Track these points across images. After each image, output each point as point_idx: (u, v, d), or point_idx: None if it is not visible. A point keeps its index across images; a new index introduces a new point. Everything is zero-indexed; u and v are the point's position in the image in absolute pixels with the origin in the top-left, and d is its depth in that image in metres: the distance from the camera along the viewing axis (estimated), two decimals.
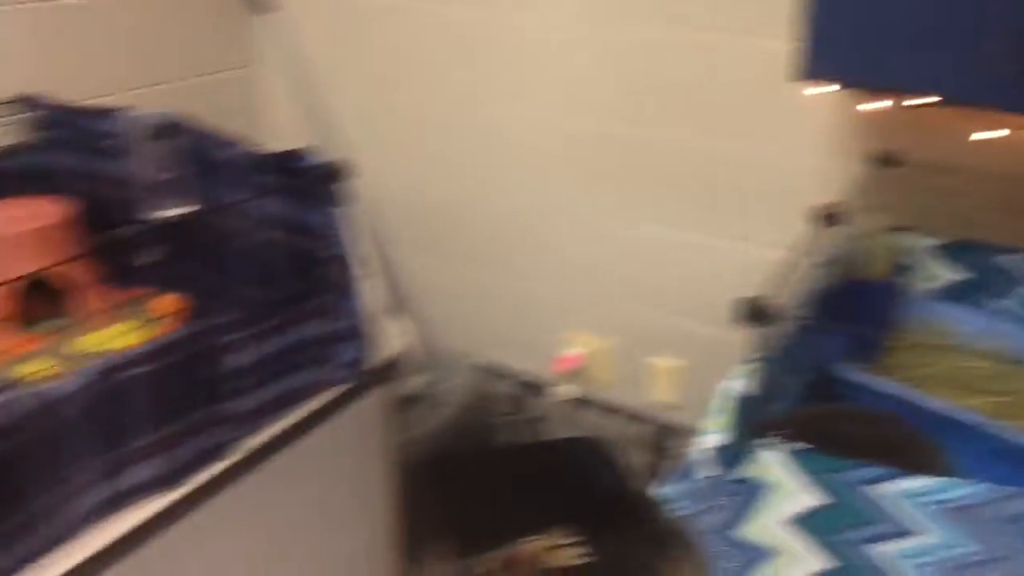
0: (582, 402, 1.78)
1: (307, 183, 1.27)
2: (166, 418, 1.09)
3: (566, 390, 1.76)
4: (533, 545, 1.57)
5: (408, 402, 1.75)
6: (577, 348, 1.75)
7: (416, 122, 1.85)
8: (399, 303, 1.95)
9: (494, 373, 1.87)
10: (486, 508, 1.63)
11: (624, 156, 1.62)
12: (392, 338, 1.46)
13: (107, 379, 1.01)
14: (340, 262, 1.27)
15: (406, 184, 1.90)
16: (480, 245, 1.84)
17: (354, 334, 1.29)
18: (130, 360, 1.03)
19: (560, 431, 1.82)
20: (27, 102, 1.55)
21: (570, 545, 1.57)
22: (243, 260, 1.40)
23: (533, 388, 1.83)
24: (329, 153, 1.27)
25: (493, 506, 1.63)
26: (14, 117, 1.55)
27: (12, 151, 1.53)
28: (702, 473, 0.94)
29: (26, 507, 0.97)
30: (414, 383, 1.78)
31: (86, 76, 1.67)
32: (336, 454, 1.42)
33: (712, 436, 0.93)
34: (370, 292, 1.52)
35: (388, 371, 1.45)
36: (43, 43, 1.61)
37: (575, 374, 1.76)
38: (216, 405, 1.15)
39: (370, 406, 1.45)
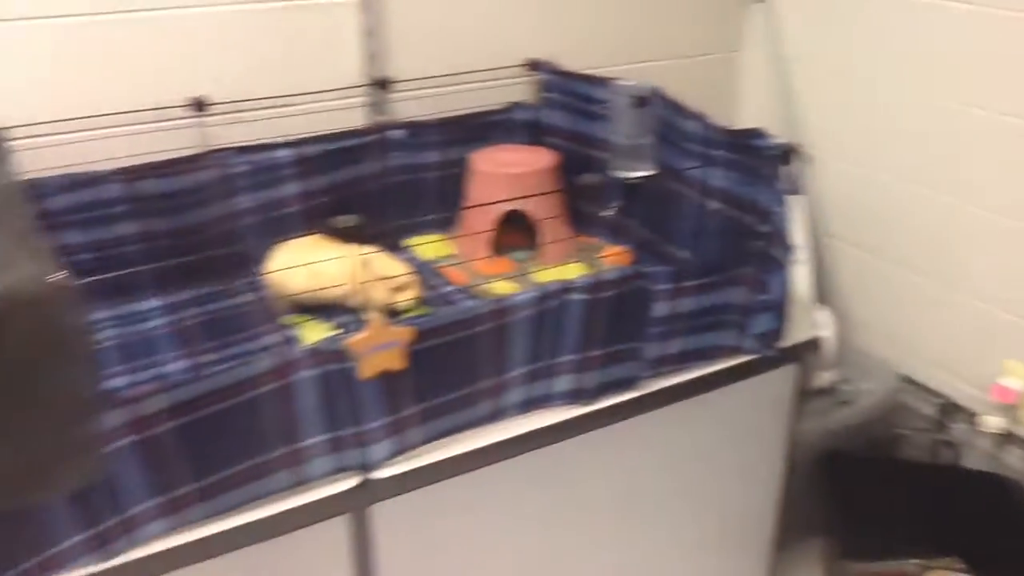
0: (1009, 438, 1.64)
1: (759, 161, 1.34)
2: (592, 343, 1.24)
3: (994, 422, 1.64)
4: (916, 566, 1.50)
5: (817, 393, 1.75)
6: (1014, 378, 1.61)
7: (881, 118, 1.82)
8: (826, 295, 1.94)
9: (914, 386, 1.79)
10: (875, 517, 1.59)
11: None
12: (811, 324, 1.48)
13: (551, 298, 1.18)
14: (774, 239, 1.32)
15: (857, 180, 1.89)
16: (926, 251, 1.77)
17: (774, 308, 1.34)
18: (573, 287, 1.19)
19: (974, 462, 1.70)
20: (534, 66, 1.80)
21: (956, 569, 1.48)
22: (686, 223, 1.52)
23: (955, 411, 1.72)
24: (787, 138, 1.33)
25: (883, 516, 1.59)
26: (522, 78, 1.83)
27: (516, 106, 1.80)
28: None
29: (471, 385, 1.18)
30: (826, 376, 1.77)
31: (586, 48, 1.90)
32: (735, 419, 1.48)
33: None
34: (799, 277, 1.55)
35: (801, 353, 1.47)
36: (553, 17, 1.86)
37: (1009, 407, 1.62)
38: (637, 343, 1.28)
39: (777, 382, 1.49)
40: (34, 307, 0.86)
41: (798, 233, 1.71)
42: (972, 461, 1.73)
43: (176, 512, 1.04)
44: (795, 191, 1.34)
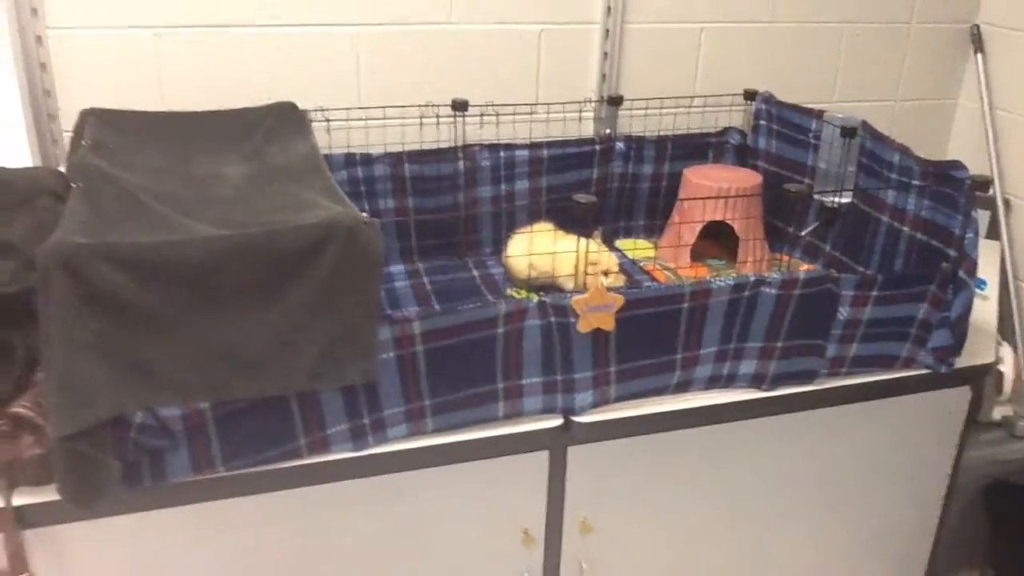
0: None
1: (954, 189, 1.45)
2: (777, 334, 1.40)
3: None
4: None
5: (991, 425, 1.81)
6: None
7: None
8: (1012, 335, 1.99)
9: None
10: None
11: None
12: (990, 353, 1.56)
13: (746, 288, 1.36)
14: (961, 262, 1.43)
15: None
16: None
17: (953, 326, 1.45)
18: (767, 281, 1.36)
19: None
20: (751, 95, 1.98)
21: None
22: (877, 246, 1.64)
23: None
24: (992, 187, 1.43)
25: None
26: (738, 106, 2.00)
27: (730, 130, 1.98)
28: None
29: (666, 354, 1.37)
30: (1002, 411, 1.83)
31: (808, 84, 2.06)
32: (905, 431, 1.58)
33: None
34: (983, 308, 1.64)
35: (975, 377, 1.56)
36: (772, 54, 2.03)
37: None
38: (821, 340, 1.43)
39: (949, 401, 1.58)
40: (350, 234, 1.13)
41: (989, 270, 1.80)
42: None
43: (416, 420, 1.29)
44: (980, 219, 1.44)
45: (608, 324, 1.30)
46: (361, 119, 1.78)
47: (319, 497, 1.28)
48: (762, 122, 1.95)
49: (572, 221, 1.65)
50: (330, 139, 1.73)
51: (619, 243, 1.94)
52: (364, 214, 1.17)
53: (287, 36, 1.72)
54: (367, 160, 1.74)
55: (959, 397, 1.60)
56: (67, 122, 1.63)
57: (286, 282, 1.13)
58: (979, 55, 2.13)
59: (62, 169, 1.51)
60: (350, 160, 1.74)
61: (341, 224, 1.13)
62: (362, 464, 1.27)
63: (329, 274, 1.14)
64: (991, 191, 2.05)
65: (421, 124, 1.81)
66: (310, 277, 1.13)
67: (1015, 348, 1.93)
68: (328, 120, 1.73)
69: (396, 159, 1.76)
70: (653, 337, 1.35)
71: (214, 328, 1.11)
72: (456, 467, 1.34)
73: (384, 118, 1.79)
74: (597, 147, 1.88)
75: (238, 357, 1.13)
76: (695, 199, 1.77)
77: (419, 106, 1.80)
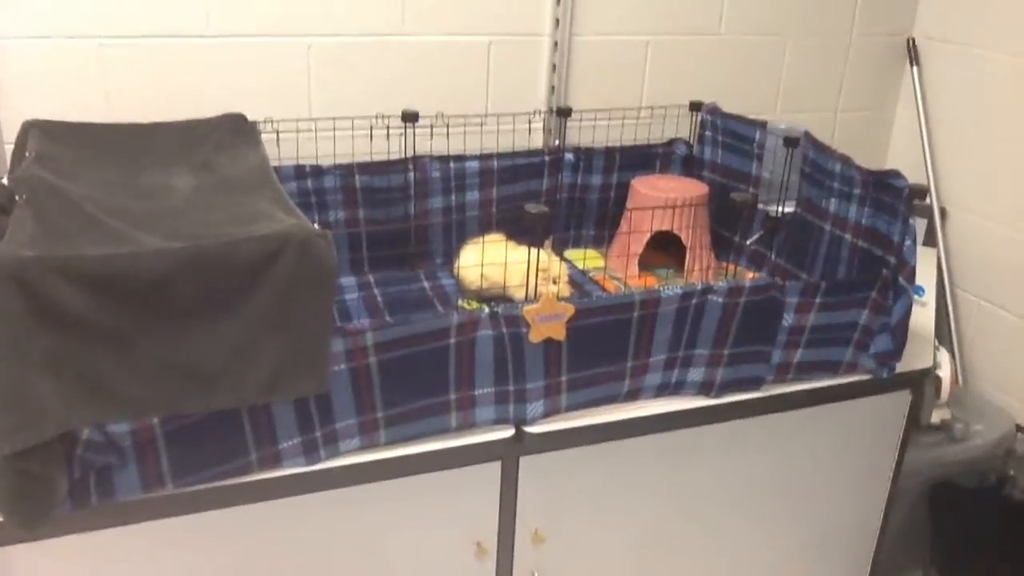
0: None
1: (893, 198, 1.50)
2: (724, 341, 1.42)
3: None
4: None
5: (930, 429, 1.86)
6: None
7: (1016, 177, 1.94)
8: (949, 340, 2.05)
9: None
10: (977, 550, 1.68)
11: None
12: (928, 358, 1.61)
13: (693, 296, 1.38)
14: (901, 269, 1.47)
15: (989, 235, 2.02)
16: None
17: (894, 331, 1.49)
18: (714, 289, 1.39)
19: None
20: (696, 107, 2.01)
21: None
22: (821, 254, 1.68)
23: None
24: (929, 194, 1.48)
25: (985, 551, 1.68)
26: (684, 117, 2.04)
27: (676, 141, 2.02)
28: None
29: (617, 363, 1.39)
30: (940, 414, 1.88)
31: (746, 96, 2.11)
32: (848, 435, 1.63)
33: None
34: (921, 315, 1.69)
35: (915, 381, 1.61)
36: (717, 66, 2.08)
37: None
38: (766, 347, 1.46)
39: (891, 406, 1.63)
40: (303, 246, 1.13)
41: (926, 278, 1.85)
42: None
43: (368, 432, 1.29)
44: (915, 226, 1.48)
45: (559, 334, 1.32)
46: (311, 130, 1.77)
47: (272, 513, 1.28)
48: (708, 133, 1.98)
49: (523, 231, 1.67)
50: (280, 151, 1.72)
51: (568, 253, 1.96)
52: (317, 226, 1.17)
53: (237, 47, 1.71)
54: (317, 172, 1.74)
55: (900, 401, 1.64)
56: (8, 134, 1.60)
57: (240, 294, 1.12)
58: (915, 67, 2.20)
59: (4, 182, 1.49)
60: (300, 172, 1.73)
61: (294, 236, 1.13)
62: (314, 479, 1.27)
63: (283, 286, 1.13)
64: (928, 199, 2.12)
65: (371, 136, 1.81)
66: (263, 289, 1.13)
67: (952, 354, 1.99)
68: (278, 132, 1.72)
69: (346, 171, 1.76)
70: (603, 346, 1.37)
71: (167, 342, 1.10)
72: (409, 480, 1.34)
73: (334, 129, 1.78)
74: (546, 158, 1.90)
75: (192, 370, 1.12)
76: (642, 209, 1.80)
77: (370, 117, 1.80)
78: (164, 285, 1.08)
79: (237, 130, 1.59)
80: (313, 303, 1.16)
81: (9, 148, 1.59)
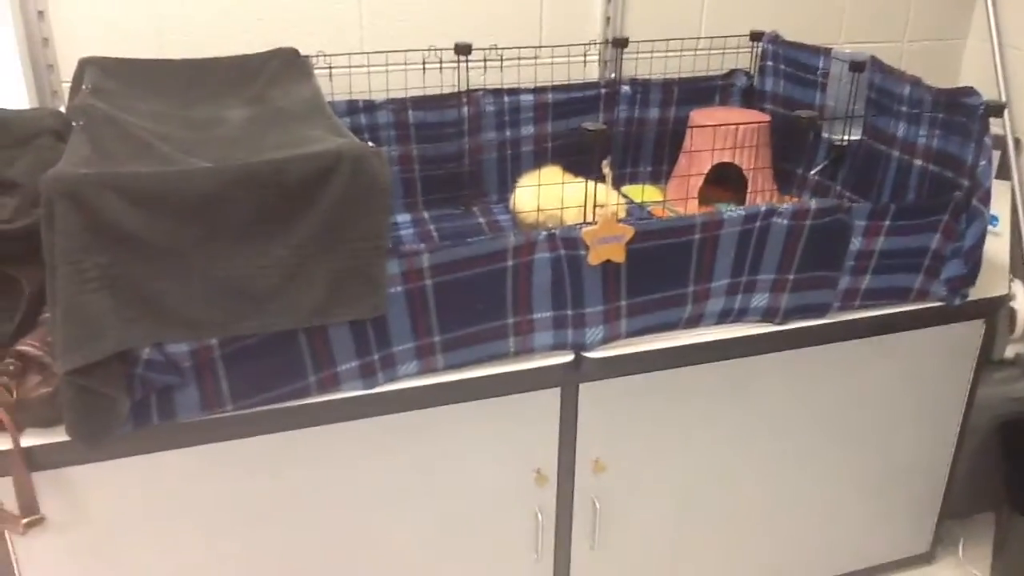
0: None
1: (966, 117, 1.43)
2: (789, 266, 1.38)
3: None
4: None
5: (1004, 363, 1.79)
6: None
7: None
8: None
9: None
10: None
11: None
12: (1003, 287, 1.54)
13: (757, 219, 1.34)
14: (974, 191, 1.41)
15: None
16: None
17: (966, 257, 1.43)
18: (778, 211, 1.34)
19: None
20: (757, 36, 1.95)
21: None
22: (889, 182, 1.62)
23: None
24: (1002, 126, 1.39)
25: None
26: (745, 48, 1.97)
27: (736, 72, 1.96)
28: None
29: (678, 288, 1.36)
30: (1016, 348, 1.81)
31: (812, 26, 2.03)
32: (919, 366, 1.57)
33: None
34: (996, 244, 1.62)
35: (989, 310, 1.55)
36: None
37: None
38: (835, 272, 1.41)
39: (963, 336, 1.57)
40: (357, 162, 1.11)
41: (1001, 208, 1.78)
42: None
43: (425, 357, 1.27)
44: (994, 147, 1.41)
45: (618, 256, 1.29)
46: (363, 65, 1.75)
47: (331, 437, 1.27)
48: (768, 63, 1.92)
49: (580, 164, 1.63)
50: (332, 86, 1.71)
51: (626, 189, 1.91)
52: (370, 144, 1.15)
53: None
54: (370, 107, 1.72)
55: (973, 331, 1.58)
56: (66, 72, 1.61)
57: (293, 213, 1.11)
58: None
59: (62, 110, 1.50)
60: (353, 107, 1.72)
61: (347, 153, 1.12)
62: (373, 402, 1.26)
63: (336, 204, 1.12)
64: (1003, 130, 2.03)
65: (424, 69, 1.79)
66: (317, 208, 1.12)
67: None
68: (331, 67, 1.71)
69: (400, 105, 1.74)
70: (664, 270, 1.34)
71: (221, 261, 1.10)
72: (467, 405, 1.32)
73: (387, 64, 1.76)
74: (602, 91, 1.85)
75: (246, 291, 1.12)
76: (702, 139, 1.75)
77: (422, 51, 1.78)
78: (217, 203, 1.08)
79: (289, 64, 1.57)
80: (368, 222, 1.15)
81: (66, 86, 1.60)
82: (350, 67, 1.74)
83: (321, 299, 1.15)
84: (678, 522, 1.55)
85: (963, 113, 1.45)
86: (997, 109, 1.40)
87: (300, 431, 1.26)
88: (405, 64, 1.77)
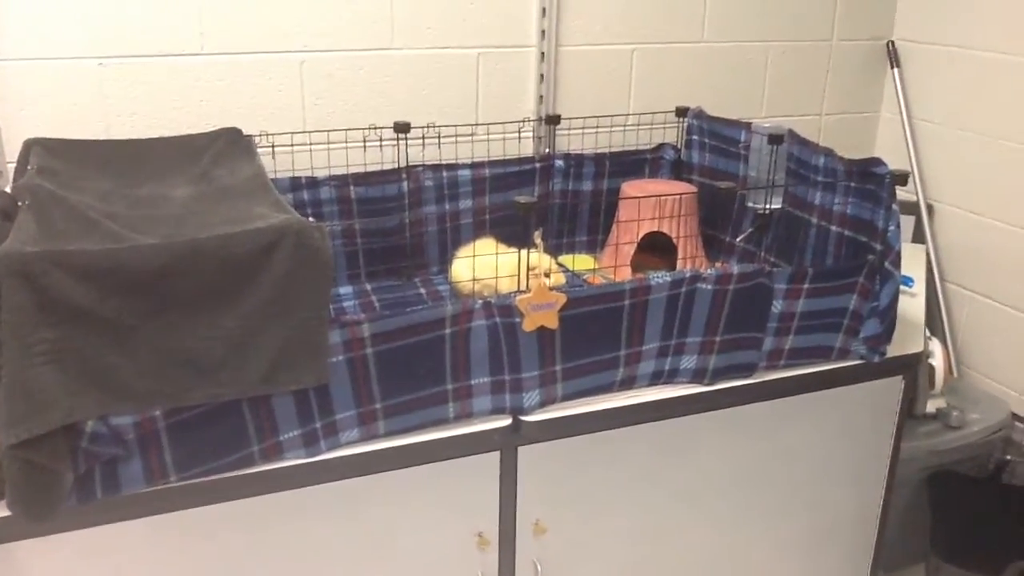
0: None
1: (876, 185, 1.53)
2: (715, 328, 1.45)
3: None
4: None
5: (926, 418, 1.88)
6: None
7: (1000, 172, 1.98)
8: (943, 332, 2.08)
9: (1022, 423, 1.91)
10: (977, 534, 1.69)
11: None
12: (919, 343, 1.63)
13: (684, 284, 1.41)
14: (886, 254, 1.50)
15: (977, 229, 2.05)
16: None
17: (882, 315, 1.52)
18: (703, 277, 1.42)
19: None
20: (682, 112, 2.06)
21: None
22: (809, 247, 1.71)
23: None
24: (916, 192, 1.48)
25: (984, 534, 1.69)
26: (671, 122, 2.08)
27: (664, 146, 2.06)
28: None
29: (610, 351, 1.42)
30: (936, 403, 1.90)
31: (732, 103, 2.15)
32: (843, 422, 1.64)
33: None
34: (911, 304, 1.71)
35: (907, 366, 1.63)
36: (704, 72, 2.13)
37: None
38: (759, 334, 1.48)
39: (884, 392, 1.65)
40: (299, 236, 1.16)
41: (916, 270, 1.88)
42: None
43: (367, 423, 1.31)
44: (900, 211, 1.51)
45: (552, 322, 1.35)
46: (306, 144, 1.82)
47: (274, 505, 1.30)
48: (694, 137, 2.02)
49: (515, 235, 1.70)
50: (275, 164, 1.76)
51: (562, 258, 1.98)
52: (312, 219, 1.20)
53: (231, 64, 1.76)
54: (312, 183, 1.78)
55: (893, 387, 1.66)
56: (11, 153, 1.64)
57: (239, 286, 1.16)
58: (895, 69, 2.25)
59: (7, 190, 1.52)
60: (296, 184, 1.77)
61: (290, 228, 1.17)
62: (316, 470, 1.29)
63: (280, 277, 1.16)
64: (915, 196, 2.15)
65: (365, 147, 1.85)
66: (262, 280, 1.16)
67: (944, 344, 2.02)
68: (273, 145, 1.76)
69: (341, 181, 1.79)
70: (596, 335, 1.40)
71: (169, 334, 1.13)
72: (408, 471, 1.36)
73: (329, 142, 1.82)
74: (537, 165, 1.94)
75: (194, 362, 1.15)
76: (633, 209, 1.83)
77: (363, 129, 1.85)
78: (164, 278, 1.12)
79: (233, 143, 1.63)
80: (310, 294, 1.19)
81: (11, 167, 1.63)
82: (292, 145, 1.80)
83: (266, 368, 1.19)
84: None
85: (872, 182, 1.55)
86: (902, 178, 1.50)
87: (244, 500, 1.28)
88: (346, 142, 1.84)
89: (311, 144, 1.82)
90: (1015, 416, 1.93)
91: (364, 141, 1.85)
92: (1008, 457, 1.92)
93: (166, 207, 1.37)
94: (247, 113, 1.78)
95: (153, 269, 1.10)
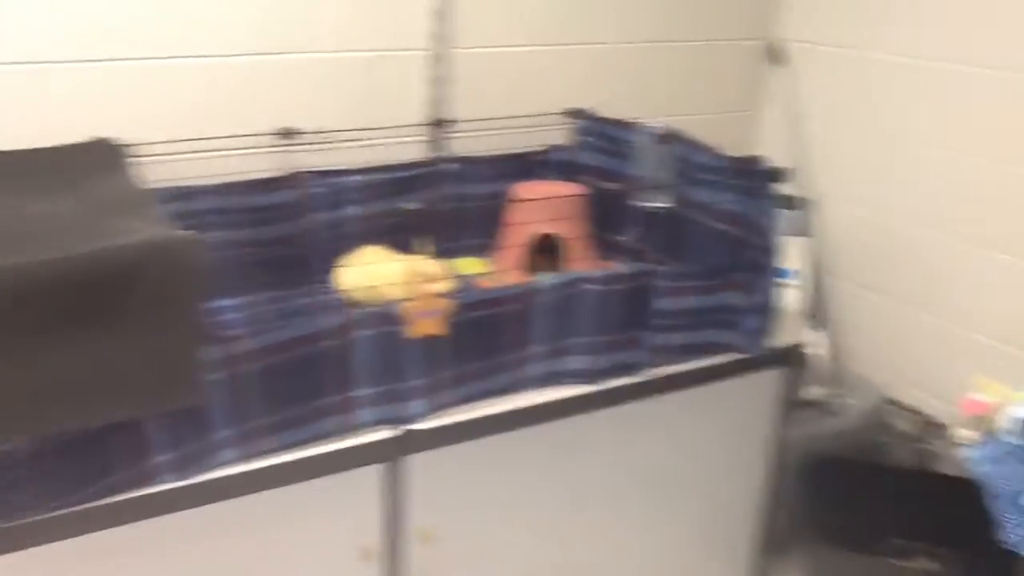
0: None
1: (757, 182, 1.56)
2: (602, 329, 1.46)
3: (966, 433, 1.80)
4: (894, 560, 1.66)
5: (808, 405, 1.93)
6: (983, 395, 1.78)
7: (881, 167, 2.05)
8: (823, 322, 2.15)
9: (898, 406, 1.99)
10: (857, 516, 1.75)
11: None
12: (799, 335, 1.68)
13: (570, 287, 1.42)
14: (765, 251, 1.53)
15: (857, 222, 2.12)
16: (909, 285, 2.00)
17: (761, 310, 1.55)
18: (589, 278, 1.43)
19: (952, 470, 1.86)
20: (573, 114, 2.07)
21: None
22: (695, 244, 1.74)
23: (933, 425, 1.91)
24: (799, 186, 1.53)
25: (864, 516, 1.74)
26: (562, 124, 2.09)
27: (556, 148, 2.07)
28: (1005, 441, 1.04)
29: (498, 356, 1.41)
30: (816, 391, 1.96)
31: (620, 103, 2.17)
32: (727, 415, 1.68)
33: (1019, 409, 1.03)
34: (792, 296, 1.76)
35: (788, 357, 1.67)
36: (592, 74, 2.14)
37: (979, 419, 1.79)
38: (642, 332, 1.50)
39: (766, 383, 1.69)
40: (171, 252, 1.12)
41: (797, 262, 1.93)
42: (947, 469, 1.90)
43: (247, 443, 1.27)
44: (782, 208, 1.56)
45: (438, 329, 1.33)
46: (186, 152, 1.76)
47: (147, 532, 1.24)
48: (584, 138, 2.04)
49: (405, 242, 1.68)
50: (154, 173, 1.70)
51: (454, 263, 1.97)
52: (185, 232, 1.16)
53: (106, 71, 1.69)
54: (194, 193, 1.73)
55: (775, 378, 1.71)
56: None
57: (107, 306, 1.11)
58: (778, 67, 2.30)
59: None
60: (177, 194, 1.71)
61: (160, 243, 1.13)
62: (191, 493, 1.25)
63: (151, 294, 1.12)
64: (798, 191, 2.21)
65: (248, 154, 1.81)
66: (132, 299, 1.12)
67: (825, 334, 2.08)
68: (151, 155, 1.70)
69: (224, 190, 1.74)
70: (484, 340, 1.39)
71: (35, 359, 1.08)
72: (292, 488, 1.33)
73: (211, 150, 1.77)
74: (428, 169, 1.92)
75: (57, 389, 1.10)
76: (524, 212, 1.84)
77: (245, 136, 1.80)
78: (29, 300, 1.06)
79: (107, 154, 1.57)
80: (184, 310, 1.15)
81: None
82: (173, 154, 1.74)
83: (136, 393, 1.14)
84: None
85: (753, 179, 1.58)
86: (781, 174, 1.54)
87: (113, 529, 1.22)
88: (228, 150, 1.79)
89: (192, 152, 1.76)
90: (890, 400, 2.00)
91: (247, 148, 1.81)
92: (884, 440, 2.00)
93: (31, 223, 1.31)
94: (123, 122, 1.71)
95: (15, 292, 1.05)
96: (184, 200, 1.72)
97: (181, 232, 1.16)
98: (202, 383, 1.19)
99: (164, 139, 1.74)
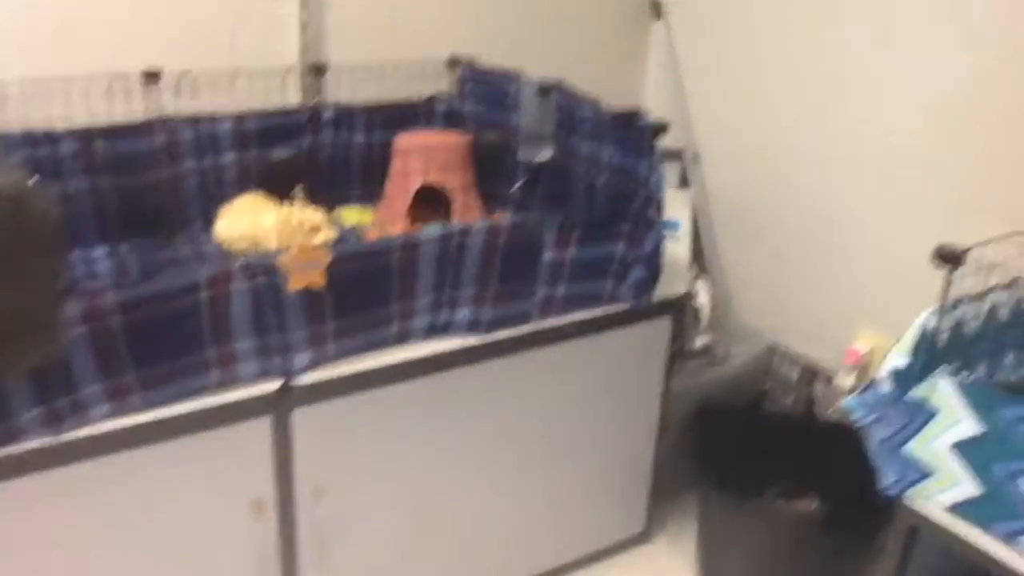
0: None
1: (638, 137, 1.57)
2: (488, 280, 1.44)
3: (847, 380, 1.88)
4: (777, 501, 1.73)
5: (694, 355, 1.98)
6: (864, 344, 1.86)
7: (761, 123, 2.09)
8: (708, 273, 2.20)
9: (781, 354, 2.05)
10: (742, 461, 1.80)
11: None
12: (684, 285, 1.71)
13: (455, 237, 1.39)
14: (649, 203, 1.54)
15: (740, 176, 2.16)
16: (794, 237, 2.05)
17: (647, 262, 1.56)
18: (473, 229, 1.40)
19: (835, 416, 1.95)
20: (455, 62, 2.03)
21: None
22: (579, 196, 1.74)
23: (815, 373, 1.98)
24: (682, 140, 1.52)
25: (749, 460, 1.80)
26: (444, 73, 2.05)
27: (439, 97, 2.02)
28: (883, 389, 1.09)
29: (382, 307, 1.38)
30: (703, 340, 2.01)
31: (508, 49, 2.14)
32: (615, 365, 1.70)
33: (896, 358, 1.08)
34: (677, 248, 1.78)
35: (674, 307, 1.70)
36: (474, 21, 2.10)
37: (860, 367, 1.87)
38: (530, 283, 1.49)
39: (653, 333, 1.72)
40: (14, 201, 1.04)
41: (680, 214, 1.96)
42: (831, 415, 1.98)
43: (120, 398, 1.21)
44: (663, 159, 1.57)
45: (318, 281, 1.29)
46: (41, 92, 1.63)
47: (17, 493, 1.17)
48: (466, 87, 2.00)
49: (282, 190, 1.62)
50: (4, 115, 1.58)
51: (340, 212, 1.92)
52: (30, 177, 1.08)
53: None
54: (52, 138, 1.61)
55: (661, 328, 1.73)
56: None
57: None
58: (660, 22, 2.31)
59: None
60: (31, 139, 1.59)
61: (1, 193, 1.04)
62: (61, 451, 1.18)
63: None
64: (682, 146, 2.24)
65: (111, 97, 1.69)
66: None
67: (711, 284, 2.12)
68: (2, 94, 1.58)
69: (85, 136, 1.63)
70: (367, 291, 1.35)
71: None
72: (172, 444, 1.27)
73: (67, 91, 1.65)
74: (305, 117, 1.85)
75: None
76: (407, 161, 1.79)
77: (108, 76, 1.69)
78: None
79: None
80: (35, 264, 1.07)
81: None
82: (23, 95, 1.62)
83: None
84: (406, 535, 1.56)
85: (634, 132, 1.58)
86: (662, 128, 1.55)
87: None
88: (89, 92, 1.67)
89: (48, 93, 1.64)
90: (776, 349, 2.07)
91: (109, 90, 1.69)
92: (768, 386, 2.07)
93: None
94: None
95: None
96: (41, 145, 1.60)
97: (24, 184, 1.07)
98: (60, 338, 1.11)
99: (18, 76, 1.62)
